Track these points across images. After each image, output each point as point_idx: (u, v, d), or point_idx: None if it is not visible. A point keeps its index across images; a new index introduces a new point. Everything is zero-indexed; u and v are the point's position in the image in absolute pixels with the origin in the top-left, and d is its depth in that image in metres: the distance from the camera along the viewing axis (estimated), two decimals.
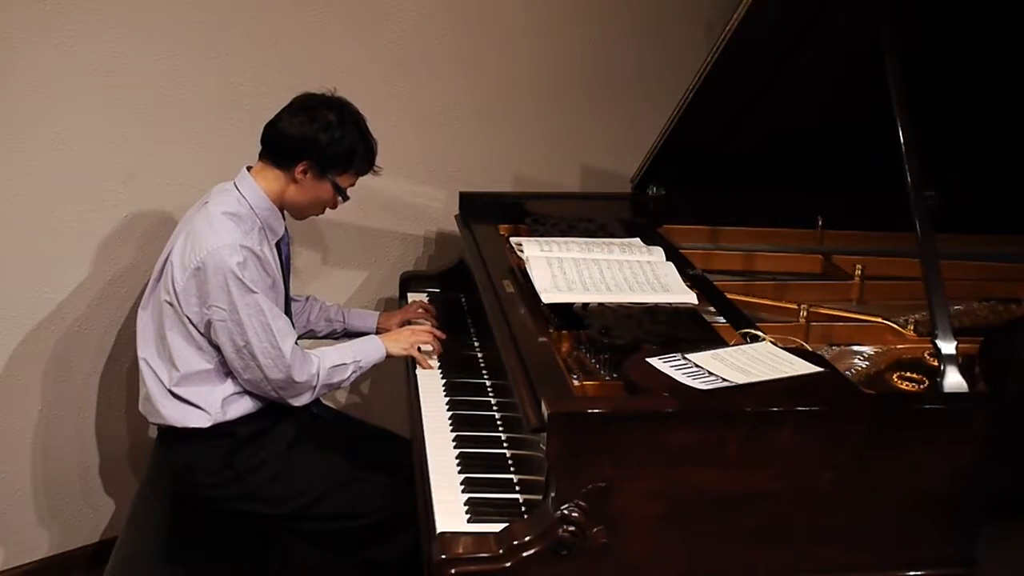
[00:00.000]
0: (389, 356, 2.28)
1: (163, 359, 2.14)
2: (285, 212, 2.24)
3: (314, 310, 2.53)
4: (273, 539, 2.29)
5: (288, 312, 2.25)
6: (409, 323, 2.52)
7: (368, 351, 2.25)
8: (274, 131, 2.14)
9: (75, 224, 2.50)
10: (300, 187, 2.16)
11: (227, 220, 2.08)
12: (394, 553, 2.16)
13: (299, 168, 2.13)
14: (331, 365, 2.17)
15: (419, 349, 2.31)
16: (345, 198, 2.22)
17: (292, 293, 2.50)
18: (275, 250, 2.20)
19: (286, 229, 2.26)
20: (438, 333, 2.36)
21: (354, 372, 2.21)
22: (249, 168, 2.20)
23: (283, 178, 2.16)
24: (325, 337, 2.57)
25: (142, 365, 2.17)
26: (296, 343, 2.13)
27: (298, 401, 2.16)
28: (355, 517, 2.15)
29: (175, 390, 2.12)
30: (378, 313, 2.60)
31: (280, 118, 2.14)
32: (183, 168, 2.61)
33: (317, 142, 2.10)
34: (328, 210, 2.27)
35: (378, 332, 2.52)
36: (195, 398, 2.12)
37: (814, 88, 2.48)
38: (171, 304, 2.09)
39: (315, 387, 2.15)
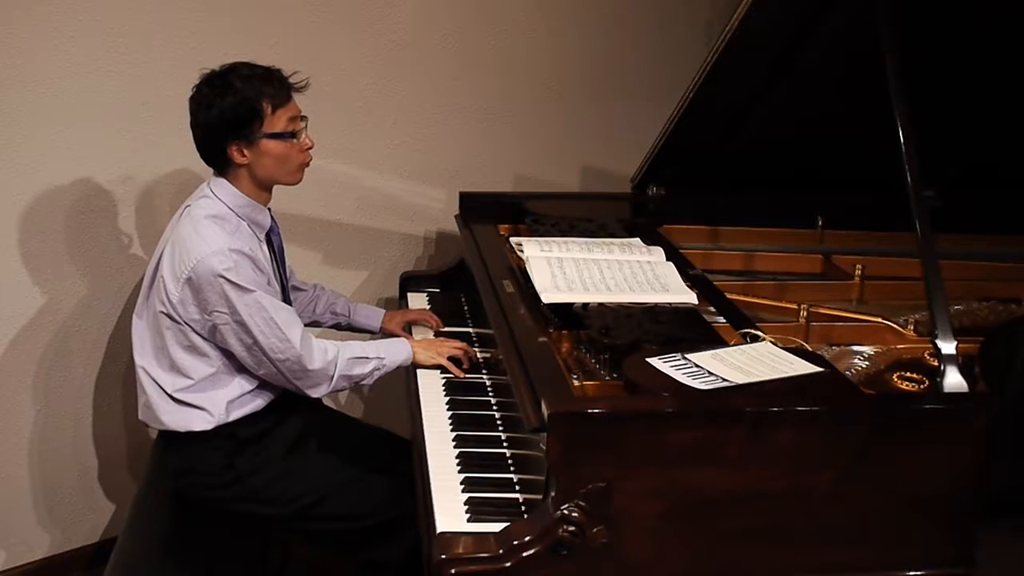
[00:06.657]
0: (416, 364, 2.23)
1: (163, 367, 2.12)
2: (271, 209, 2.20)
3: (320, 301, 2.51)
4: (273, 540, 2.29)
5: (288, 304, 2.21)
6: (410, 326, 2.52)
7: (394, 351, 2.21)
8: (195, 142, 2.10)
9: (74, 224, 2.50)
10: (253, 164, 2.08)
11: (212, 224, 2.04)
12: (394, 554, 2.15)
13: (232, 152, 2.06)
14: (351, 356, 2.13)
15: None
16: (297, 136, 2.10)
17: (299, 280, 2.48)
18: (265, 244, 2.17)
19: (274, 220, 2.22)
20: (471, 350, 2.29)
21: (376, 369, 2.17)
22: None
23: (237, 170, 2.09)
24: (330, 328, 2.55)
25: (140, 373, 2.15)
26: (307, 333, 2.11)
27: (315, 392, 2.13)
28: (356, 518, 2.14)
29: (178, 396, 2.10)
30: (383, 311, 2.58)
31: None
32: (182, 169, 2.60)
33: (220, 120, 2.03)
34: (312, 174, 2.19)
35: (381, 330, 2.52)
36: (199, 401, 2.11)
37: (814, 88, 2.48)
38: (168, 315, 2.07)
39: (332, 376, 2.12)
